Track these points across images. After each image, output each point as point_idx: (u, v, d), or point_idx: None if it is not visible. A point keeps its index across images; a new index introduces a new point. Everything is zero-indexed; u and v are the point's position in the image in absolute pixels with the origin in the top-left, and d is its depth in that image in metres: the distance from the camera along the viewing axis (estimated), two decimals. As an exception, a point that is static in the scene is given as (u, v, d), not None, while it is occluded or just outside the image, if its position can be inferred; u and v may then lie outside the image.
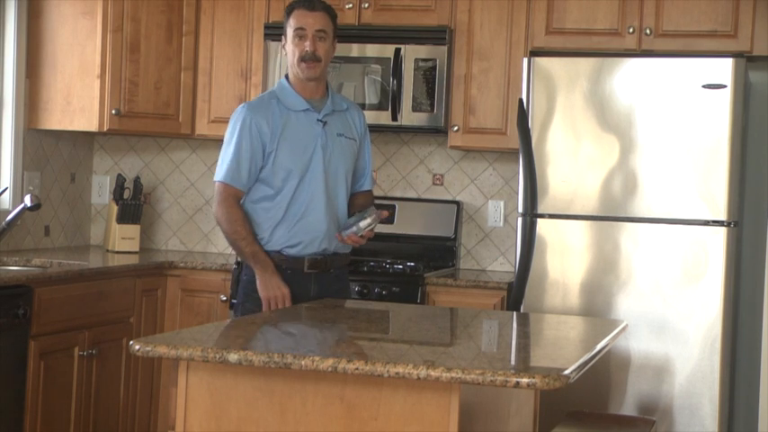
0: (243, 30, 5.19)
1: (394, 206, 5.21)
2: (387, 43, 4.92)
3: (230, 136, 3.82)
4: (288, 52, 3.86)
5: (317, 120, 3.83)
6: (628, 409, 4.39)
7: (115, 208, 5.28)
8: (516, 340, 3.28)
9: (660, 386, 4.37)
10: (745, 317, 4.81)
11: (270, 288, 3.77)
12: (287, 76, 3.90)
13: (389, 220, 5.18)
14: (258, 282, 3.79)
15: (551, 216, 4.51)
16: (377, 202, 5.17)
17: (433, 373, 2.42)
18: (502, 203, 5.22)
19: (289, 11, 3.86)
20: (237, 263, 3.94)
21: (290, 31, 3.83)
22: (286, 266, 3.81)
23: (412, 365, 2.44)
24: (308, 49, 3.79)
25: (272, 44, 4.99)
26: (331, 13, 3.88)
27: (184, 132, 5.25)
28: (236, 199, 3.82)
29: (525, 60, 4.56)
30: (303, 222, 3.81)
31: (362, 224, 3.76)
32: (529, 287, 4.50)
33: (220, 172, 3.82)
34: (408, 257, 4.96)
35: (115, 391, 4.59)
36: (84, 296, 4.37)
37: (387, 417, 2.52)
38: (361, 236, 3.79)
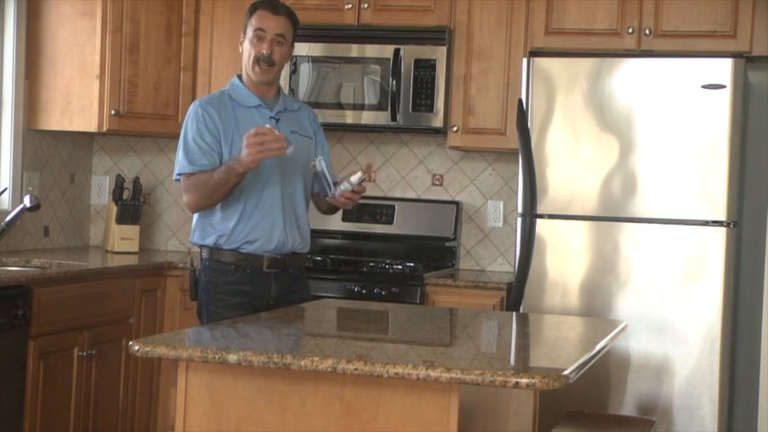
0: (242, 30, 5.17)
1: (393, 206, 5.21)
2: (386, 43, 4.92)
3: (183, 131, 3.81)
4: (244, 51, 3.86)
5: (270, 116, 3.84)
6: (627, 409, 4.39)
7: (114, 208, 5.27)
8: (516, 340, 3.28)
9: (660, 386, 4.37)
10: (745, 317, 4.81)
11: (246, 156, 3.58)
12: (239, 76, 3.90)
13: (389, 221, 5.17)
14: (241, 165, 3.62)
15: (551, 216, 4.51)
16: (377, 202, 5.20)
17: (433, 374, 2.42)
18: (501, 204, 5.22)
19: (252, 10, 3.85)
20: (192, 266, 3.88)
21: (249, 31, 3.83)
22: (246, 266, 3.77)
23: (411, 366, 2.44)
24: (264, 51, 3.79)
25: (272, 44, 4.99)
26: (293, 19, 3.88)
27: (184, 133, 5.24)
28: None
29: (525, 61, 4.56)
30: (260, 217, 3.78)
31: (353, 179, 3.71)
32: (528, 287, 4.50)
33: (176, 168, 3.80)
34: (408, 258, 4.96)
35: (115, 391, 4.59)
36: (83, 296, 4.37)
37: (386, 417, 2.52)
38: (354, 191, 3.72)
